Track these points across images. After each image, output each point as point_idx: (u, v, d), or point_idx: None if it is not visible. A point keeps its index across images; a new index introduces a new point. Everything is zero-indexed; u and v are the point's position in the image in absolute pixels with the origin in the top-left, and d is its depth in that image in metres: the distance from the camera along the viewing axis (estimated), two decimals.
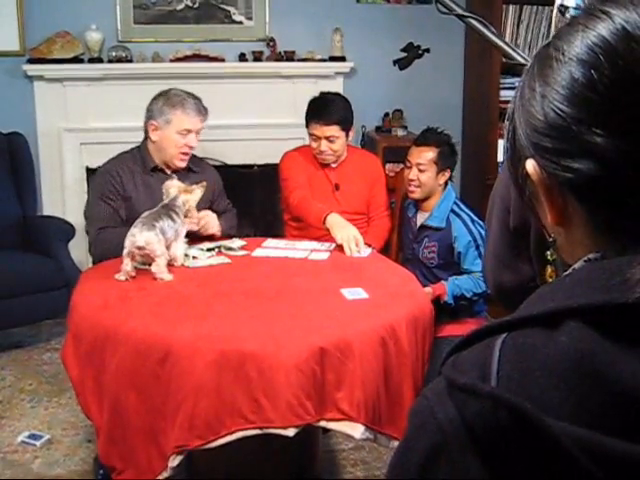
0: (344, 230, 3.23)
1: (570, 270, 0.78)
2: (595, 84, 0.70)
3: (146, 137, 3.34)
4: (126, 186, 3.24)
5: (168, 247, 2.77)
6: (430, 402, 0.71)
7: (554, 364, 0.66)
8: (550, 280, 0.93)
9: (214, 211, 3.36)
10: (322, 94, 3.88)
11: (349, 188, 3.80)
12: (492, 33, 2.20)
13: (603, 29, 0.71)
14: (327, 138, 3.68)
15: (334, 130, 3.68)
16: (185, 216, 2.93)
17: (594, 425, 0.62)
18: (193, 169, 3.40)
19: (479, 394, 0.67)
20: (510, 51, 2.07)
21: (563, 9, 1.68)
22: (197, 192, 2.96)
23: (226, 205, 3.59)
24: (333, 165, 3.80)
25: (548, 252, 0.88)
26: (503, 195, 1.29)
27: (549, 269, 0.96)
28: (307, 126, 3.75)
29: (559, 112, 0.72)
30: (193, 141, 3.27)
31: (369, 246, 3.29)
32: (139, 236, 2.69)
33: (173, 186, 2.95)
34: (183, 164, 3.31)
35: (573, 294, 0.70)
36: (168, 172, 3.32)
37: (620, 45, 0.70)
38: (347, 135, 3.75)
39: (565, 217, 0.77)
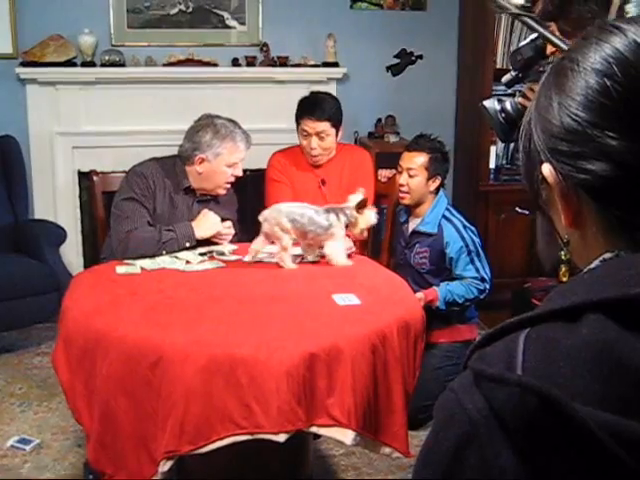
0: None
1: (586, 269, 0.82)
2: (609, 91, 0.75)
3: (185, 161, 3.25)
4: (156, 196, 3.18)
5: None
6: (457, 394, 0.75)
7: (577, 354, 0.70)
8: (564, 279, 0.97)
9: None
10: (312, 92, 3.93)
11: (335, 183, 3.82)
12: (549, 32, 2.23)
13: (617, 42, 0.77)
14: (318, 134, 3.71)
15: (325, 126, 3.70)
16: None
17: (618, 410, 0.65)
18: (218, 199, 3.37)
19: (507, 382, 0.70)
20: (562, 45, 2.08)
21: None
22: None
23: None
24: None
25: (562, 252, 0.91)
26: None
27: (563, 268, 1.00)
28: (298, 123, 3.77)
29: (575, 117, 0.77)
30: (240, 171, 3.26)
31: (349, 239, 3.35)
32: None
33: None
34: (224, 192, 3.30)
35: (592, 289, 0.74)
36: (198, 194, 3.28)
37: (632, 56, 0.76)
38: (337, 134, 3.77)
39: (579, 219, 0.81)
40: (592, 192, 0.77)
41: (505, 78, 2.71)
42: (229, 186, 3.30)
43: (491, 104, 2.71)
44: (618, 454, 0.64)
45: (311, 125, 3.71)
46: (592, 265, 0.81)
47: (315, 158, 3.79)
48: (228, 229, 3.26)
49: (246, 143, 3.25)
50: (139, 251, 3.00)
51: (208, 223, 3.19)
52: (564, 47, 2.19)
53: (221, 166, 3.19)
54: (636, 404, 0.66)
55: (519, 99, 2.67)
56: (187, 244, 3.09)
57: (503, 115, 2.68)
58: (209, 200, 3.33)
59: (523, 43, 2.66)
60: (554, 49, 2.50)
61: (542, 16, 2.49)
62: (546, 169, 0.81)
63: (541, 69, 2.62)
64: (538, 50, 2.62)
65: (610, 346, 0.69)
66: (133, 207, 3.11)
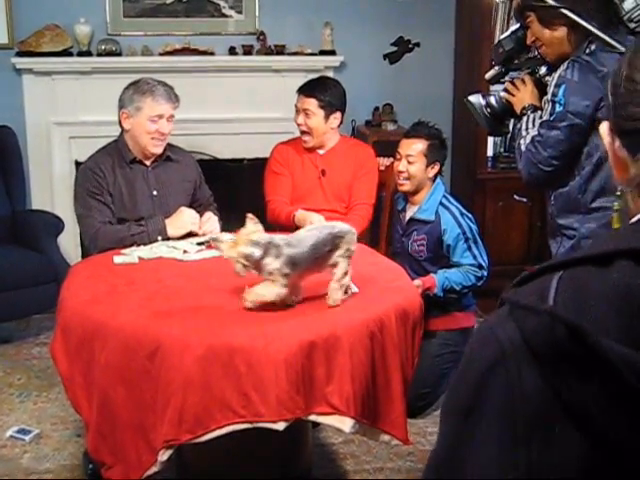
0: (312, 217, 3.43)
1: (630, 222, 0.89)
2: None
3: (122, 130, 3.33)
4: (109, 180, 3.23)
5: None
6: (491, 324, 0.83)
7: (606, 295, 0.76)
8: (616, 227, 1.12)
9: (196, 200, 3.44)
10: (321, 76, 3.98)
11: (335, 175, 3.81)
12: (587, 22, 2.24)
13: None
14: (304, 111, 3.72)
15: (311, 103, 3.72)
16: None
17: (638, 348, 0.72)
18: (172, 157, 3.40)
19: (539, 312, 0.77)
20: (607, 38, 2.08)
21: None
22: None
23: (208, 196, 3.58)
24: (321, 152, 3.82)
25: (616, 203, 1.00)
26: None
27: (615, 216, 1.14)
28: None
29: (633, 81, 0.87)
30: (164, 127, 3.25)
31: None
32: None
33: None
34: (158, 150, 3.30)
35: (626, 239, 0.82)
36: (147, 163, 3.32)
37: None
38: (327, 117, 3.76)
39: (627, 175, 0.89)
40: (633, 148, 0.86)
41: (489, 74, 2.71)
42: (159, 143, 3.29)
43: (476, 99, 2.71)
44: (633, 384, 0.70)
45: (300, 100, 3.77)
46: (634, 219, 0.87)
47: (303, 136, 3.81)
48: (209, 221, 3.29)
49: (167, 98, 3.25)
50: (109, 246, 3.07)
51: (180, 222, 3.22)
52: (611, 42, 2.19)
53: (143, 120, 3.23)
54: None
55: (502, 94, 2.67)
56: (159, 238, 3.14)
57: (488, 110, 2.68)
58: (163, 163, 3.37)
59: (504, 35, 2.66)
60: (533, 39, 2.50)
61: (522, 6, 2.49)
62: (603, 127, 0.91)
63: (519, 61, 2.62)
64: (519, 42, 2.61)
65: (635, 289, 0.75)
66: (91, 204, 3.18)
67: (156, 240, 3.12)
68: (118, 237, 3.10)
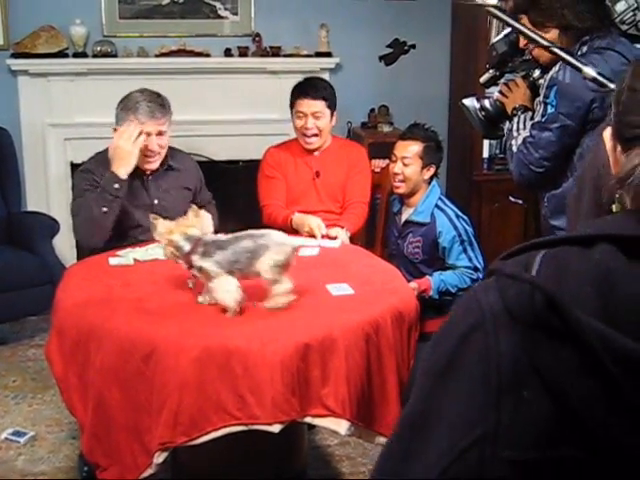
0: (310, 220, 3.37)
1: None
2: None
3: None
4: None
5: None
6: (476, 292, 0.88)
7: (586, 274, 0.81)
8: None
9: (197, 204, 3.33)
10: (306, 78, 3.94)
11: (329, 176, 3.80)
12: (521, 24, 2.25)
13: None
14: (314, 114, 3.70)
15: (320, 106, 3.69)
16: None
17: (613, 326, 0.76)
18: (172, 166, 3.33)
19: (521, 279, 0.82)
20: (574, 61, 2.08)
21: None
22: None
23: (210, 198, 3.55)
24: (316, 153, 3.81)
25: (614, 205, 1.02)
26: (594, 175, 1.41)
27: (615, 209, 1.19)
28: (292, 106, 3.77)
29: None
30: (153, 144, 3.15)
31: (342, 228, 3.35)
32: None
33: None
34: (152, 166, 3.23)
35: (611, 225, 0.87)
36: (147, 173, 3.26)
37: None
38: (331, 117, 3.75)
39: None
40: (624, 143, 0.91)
41: (484, 78, 2.71)
42: (152, 160, 3.21)
43: (470, 102, 2.72)
44: (603, 359, 0.75)
45: (306, 104, 3.70)
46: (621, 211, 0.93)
47: (309, 139, 3.75)
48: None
49: (150, 116, 3.12)
50: (91, 230, 3.06)
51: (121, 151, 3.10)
52: (537, 39, 2.20)
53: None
54: (628, 325, 0.76)
55: (496, 95, 2.67)
56: (115, 185, 3.05)
57: (483, 113, 2.68)
58: (164, 172, 3.31)
59: (497, 39, 2.67)
60: (526, 42, 2.51)
61: (514, 9, 2.50)
62: (606, 132, 0.97)
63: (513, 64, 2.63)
64: (512, 44, 2.62)
65: (615, 271, 0.79)
66: (84, 198, 3.12)
67: (115, 189, 3.04)
68: (90, 216, 3.04)
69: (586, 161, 1.49)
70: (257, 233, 2.45)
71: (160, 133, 3.18)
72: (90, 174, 3.18)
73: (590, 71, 1.97)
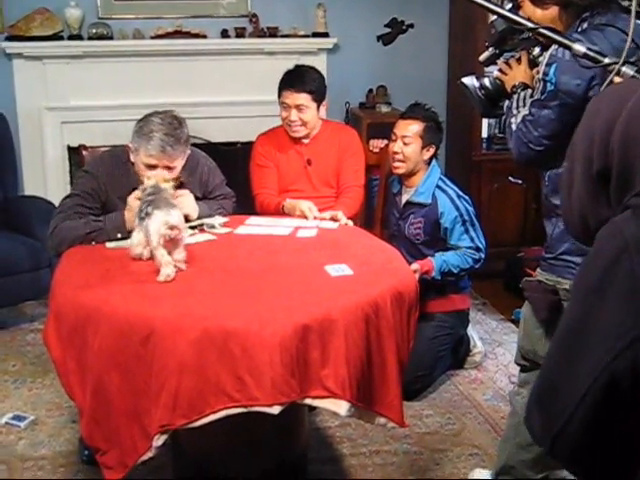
0: (300, 203, 3.33)
1: None
2: None
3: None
4: (110, 196, 3.00)
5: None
6: (617, 222, 1.06)
7: None
8: None
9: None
10: (296, 66, 3.88)
11: (321, 162, 3.78)
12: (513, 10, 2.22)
13: None
14: (297, 107, 3.67)
15: (304, 99, 3.66)
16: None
17: None
18: (184, 183, 3.05)
19: None
20: (566, 41, 2.05)
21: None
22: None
23: (226, 194, 3.34)
24: (305, 141, 3.78)
25: None
26: (585, 144, 1.42)
27: None
28: (279, 96, 3.73)
29: None
30: (161, 174, 2.88)
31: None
32: (170, 216, 2.50)
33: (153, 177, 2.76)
34: None
35: None
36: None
37: None
38: (318, 108, 3.72)
39: None
40: None
41: (483, 56, 2.68)
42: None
43: (470, 81, 2.69)
44: None
45: (290, 97, 3.67)
46: None
47: (294, 129, 3.73)
48: (181, 197, 2.96)
49: (161, 151, 2.87)
50: (65, 242, 2.86)
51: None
52: (522, 21, 2.16)
53: (139, 162, 2.94)
54: None
55: (496, 73, 2.64)
56: (118, 235, 2.89)
57: (482, 92, 2.66)
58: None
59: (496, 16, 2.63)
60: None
61: None
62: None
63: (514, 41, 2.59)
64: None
65: None
66: (72, 203, 2.97)
67: (116, 238, 2.88)
68: (73, 235, 2.87)
69: (578, 131, 1.45)
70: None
71: (168, 167, 2.93)
72: (94, 180, 3.00)
73: (580, 47, 1.94)
